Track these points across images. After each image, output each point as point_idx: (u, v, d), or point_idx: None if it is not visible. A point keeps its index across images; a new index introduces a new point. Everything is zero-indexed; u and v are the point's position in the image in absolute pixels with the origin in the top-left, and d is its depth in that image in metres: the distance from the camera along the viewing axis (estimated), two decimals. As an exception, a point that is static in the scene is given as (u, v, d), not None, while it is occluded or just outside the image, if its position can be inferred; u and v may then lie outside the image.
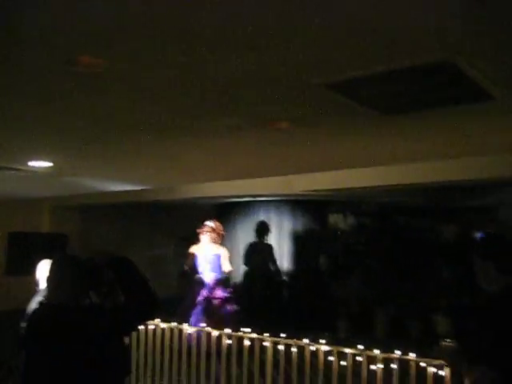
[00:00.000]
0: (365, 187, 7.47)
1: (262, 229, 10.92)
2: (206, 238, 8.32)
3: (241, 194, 9.71)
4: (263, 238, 10.81)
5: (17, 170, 5.68)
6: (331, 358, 4.91)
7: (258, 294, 10.81)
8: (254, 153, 5.08)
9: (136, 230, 14.67)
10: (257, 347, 5.19)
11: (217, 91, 3.13)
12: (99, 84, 2.96)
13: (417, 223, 10.68)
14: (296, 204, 10.93)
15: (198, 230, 8.36)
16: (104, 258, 2.76)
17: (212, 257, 8.29)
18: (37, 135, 4.29)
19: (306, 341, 5.08)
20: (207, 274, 8.18)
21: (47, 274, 2.80)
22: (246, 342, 5.27)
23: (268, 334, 5.23)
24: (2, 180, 6.45)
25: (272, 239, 11.40)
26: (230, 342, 5.44)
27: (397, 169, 6.29)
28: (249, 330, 5.51)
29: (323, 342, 5.02)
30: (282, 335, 5.18)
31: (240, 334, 5.46)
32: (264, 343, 5.15)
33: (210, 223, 8.39)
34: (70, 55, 2.53)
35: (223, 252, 8.37)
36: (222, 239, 8.54)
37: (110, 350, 2.70)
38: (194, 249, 8.45)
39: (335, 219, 12.08)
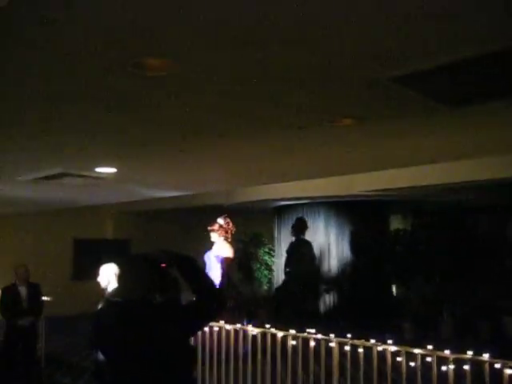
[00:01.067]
0: (428, 185, 7.31)
1: (299, 226, 10.94)
2: (214, 235, 7.97)
3: (300, 195, 9.66)
4: (301, 235, 10.85)
5: (84, 177, 5.84)
6: (399, 359, 4.82)
7: (305, 294, 10.78)
8: (315, 153, 5.04)
9: (193, 233, 14.88)
10: (322, 348, 5.15)
11: (279, 91, 3.12)
12: (166, 88, 3.00)
13: (485, 222, 10.36)
14: (356, 205, 10.75)
15: (208, 228, 8.03)
16: (170, 256, 2.79)
17: (213, 258, 7.83)
18: (103, 142, 4.40)
19: (373, 341, 4.99)
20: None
21: (118, 272, 2.86)
22: (312, 343, 5.25)
23: (333, 335, 5.18)
24: (71, 187, 6.65)
25: (332, 241, 11.33)
26: (294, 342, 5.43)
27: (462, 165, 6.13)
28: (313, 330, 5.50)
29: (390, 342, 4.93)
30: (348, 335, 5.13)
31: (305, 334, 5.43)
32: (330, 344, 5.10)
33: (219, 220, 8.06)
34: (137, 58, 2.56)
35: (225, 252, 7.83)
36: (231, 236, 8.08)
37: (179, 348, 2.70)
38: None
39: (397, 219, 11.87)
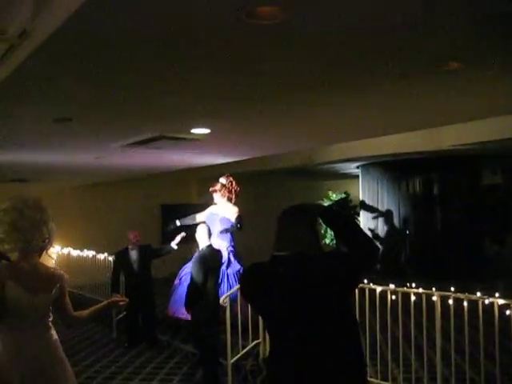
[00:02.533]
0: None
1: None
2: (216, 196, 7.70)
3: (386, 152, 9.45)
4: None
5: (179, 139, 5.96)
6: (508, 313, 4.69)
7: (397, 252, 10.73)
8: (416, 103, 4.83)
9: (272, 197, 15.00)
10: (424, 302, 5.08)
11: (378, 35, 3.01)
12: (276, 38, 2.96)
13: None
14: (445, 160, 10.42)
15: (210, 189, 7.75)
16: (316, 208, 2.76)
17: (215, 217, 7.53)
18: (198, 101, 4.44)
19: (479, 294, 4.87)
20: (216, 241, 7.19)
21: (279, 224, 2.70)
22: (412, 298, 5.19)
23: (435, 289, 5.09)
24: (165, 151, 6.81)
25: (420, 198, 11.15)
26: (394, 297, 5.39)
27: None
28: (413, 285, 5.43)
29: (497, 295, 4.80)
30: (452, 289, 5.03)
31: (405, 289, 5.37)
32: (433, 298, 5.02)
33: (221, 179, 7.74)
34: (249, 5, 2.50)
35: (228, 212, 7.55)
36: (235, 197, 7.82)
37: (341, 302, 2.63)
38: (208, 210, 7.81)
39: (489, 174, 11.44)
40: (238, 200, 9.23)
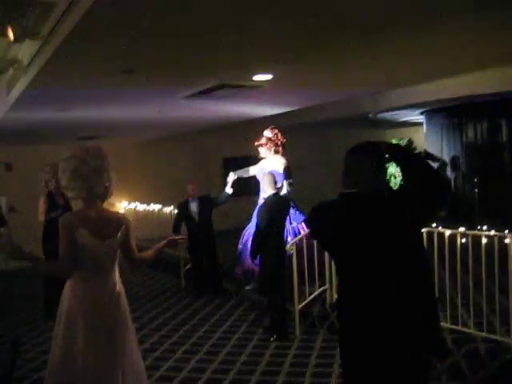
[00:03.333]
0: None
1: None
2: (263, 150, 7.48)
3: (451, 96, 9.09)
4: None
5: (240, 87, 5.93)
6: None
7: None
8: (490, 37, 4.59)
9: (335, 147, 14.82)
10: (496, 245, 4.96)
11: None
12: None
13: None
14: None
15: (256, 143, 7.55)
16: (383, 144, 2.69)
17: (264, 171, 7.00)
18: (262, 46, 4.38)
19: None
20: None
21: (348, 161, 2.66)
22: (484, 240, 5.07)
23: (507, 231, 4.94)
24: (226, 100, 6.80)
25: (485, 141, 10.83)
26: (464, 240, 5.28)
27: None
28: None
29: None
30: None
31: (476, 232, 5.25)
32: (505, 241, 4.88)
33: (266, 132, 7.52)
34: None
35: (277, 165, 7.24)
36: (282, 149, 7.51)
37: (411, 241, 2.60)
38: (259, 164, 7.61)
39: None
40: (295, 151, 9.14)
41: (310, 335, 6.30)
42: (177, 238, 4.04)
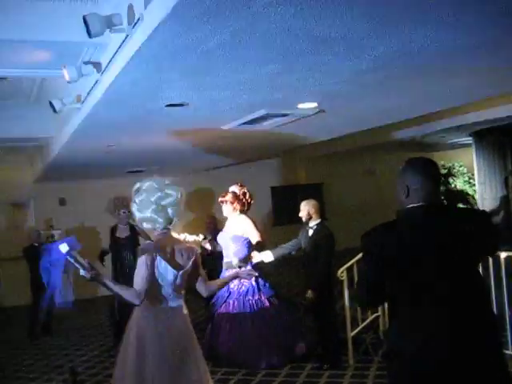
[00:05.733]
0: None
1: None
2: (226, 208, 6.61)
3: (501, 115, 8.91)
4: None
5: (285, 116, 5.99)
6: None
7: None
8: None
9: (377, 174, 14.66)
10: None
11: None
12: None
13: None
14: None
15: (219, 199, 6.69)
16: None
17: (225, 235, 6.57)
18: (305, 75, 4.43)
19: None
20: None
21: (408, 175, 2.63)
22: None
23: None
24: (271, 130, 6.88)
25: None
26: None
27: None
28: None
29: None
30: None
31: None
32: None
33: (233, 188, 6.75)
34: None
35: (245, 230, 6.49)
36: (247, 209, 6.71)
37: (474, 263, 2.58)
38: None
39: None
40: (337, 178, 8.98)
41: (364, 363, 6.20)
42: (246, 271, 4.18)
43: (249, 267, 6.19)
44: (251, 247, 6.51)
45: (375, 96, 5.44)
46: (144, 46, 3.35)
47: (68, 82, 4.50)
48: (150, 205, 3.53)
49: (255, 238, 6.49)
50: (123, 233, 7.59)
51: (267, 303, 6.36)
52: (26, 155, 10.73)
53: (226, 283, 3.99)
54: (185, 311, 3.70)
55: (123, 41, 3.70)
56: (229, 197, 6.56)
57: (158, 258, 3.48)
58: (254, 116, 5.87)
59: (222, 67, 3.91)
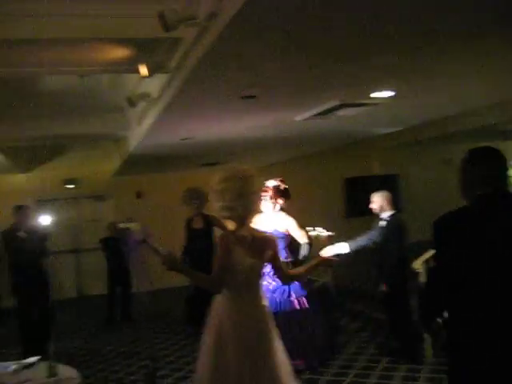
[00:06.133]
0: None
1: None
2: (266, 204, 6.03)
3: None
4: None
5: (360, 106, 5.90)
6: None
7: None
8: None
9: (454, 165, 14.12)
10: None
11: None
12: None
13: None
14: None
15: (261, 194, 5.51)
16: None
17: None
18: (381, 61, 4.33)
19: None
20: None
21: (473, 164, 2.58)
22: None
23: None
24: (344, 120, 6.79)
25: None
26: None
27: None
28: None
29: None
30: None
31: None
32: None
33: (270, 182, 6.23)
34: None
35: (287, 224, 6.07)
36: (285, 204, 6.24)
37: None
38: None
39: None
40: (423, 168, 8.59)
41: (442, 358, 6.03)
42: (329, 257, 4.15)
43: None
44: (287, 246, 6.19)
45: (453, 83, 5.26)
46: (221, 37, 3.38)
47: (144, 77, 4.63)
48: (230, 193, 3.57)
49: (300, 237, 6.14)
50: (198, 224, 7.70)
51: (296, 304, 5.97)
52: (105, 150, 11.12)
53: (309, 271, 3.95)
54: (263, 302, 3.69)
55: (198, 34, 3.75)
56: (270, 192, 6.16)
57: (235, 246, 3.53)
58: (327, 106, 5.81)
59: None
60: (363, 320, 7.98)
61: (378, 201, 6.16)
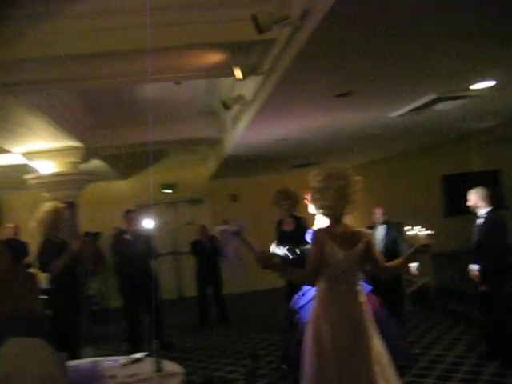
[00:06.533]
0: None
1: None
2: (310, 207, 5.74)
3: None
4: None
5: (458, 98, 5.68)
6: None
7: None
8: None
9: None
10: None
11: None
12: None
13: None
14: None
15: (305, 197, 5.56)
16: None
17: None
18: (480, 50, 4.16)
19: None
20: None
21: None
22: None
23: None
24: (441, 114, 6.58)
25: None
26: None
27: None
28: None
29: None
30: None
31: None
32: None
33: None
34: None
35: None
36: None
37: None
38: None
39: None
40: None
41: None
42: (426, 243, 4.01)
43: None
44: None
45: None
46: (314, 35, 3.38)
47: (238, 80, 4.70)
48: (332, 192, 3.62)
49: None
50: (289, 226, 7.68)
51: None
52: (201, 154, 11.41)
53: (407, 261, 3.88)
54: (361, 298, 3.68)
55: (291, 35, 3.77)
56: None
57: (327, 240, 3.62)
58: (424, 101, 5.64)
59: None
60: (465, 321, 7.67)
61: (472, 198, 5.94)
